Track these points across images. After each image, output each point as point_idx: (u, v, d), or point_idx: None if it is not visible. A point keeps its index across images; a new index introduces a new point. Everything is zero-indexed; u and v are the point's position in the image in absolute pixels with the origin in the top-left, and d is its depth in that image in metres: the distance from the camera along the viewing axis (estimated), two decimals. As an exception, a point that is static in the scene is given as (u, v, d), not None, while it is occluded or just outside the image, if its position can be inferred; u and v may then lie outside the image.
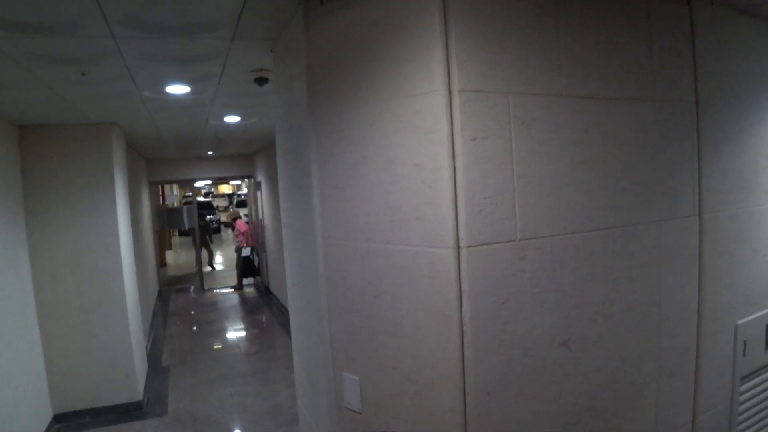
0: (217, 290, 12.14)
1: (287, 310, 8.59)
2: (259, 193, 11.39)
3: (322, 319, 2.12)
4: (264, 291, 11.36)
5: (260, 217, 11.74)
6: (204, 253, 14.87)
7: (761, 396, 2.55)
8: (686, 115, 2.12)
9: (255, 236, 12.22)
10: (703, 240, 2.19)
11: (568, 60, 1.79)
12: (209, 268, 14.86)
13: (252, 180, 12.08)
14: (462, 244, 1.63)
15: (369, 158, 1.83)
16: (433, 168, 1.65)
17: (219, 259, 16.07)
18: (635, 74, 1.96)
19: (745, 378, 2.45)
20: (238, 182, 13.41)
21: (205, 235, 14.82)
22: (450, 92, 1.60)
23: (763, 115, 2.41)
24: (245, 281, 12.14)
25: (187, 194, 23.08)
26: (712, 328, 2.27)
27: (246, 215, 12.47)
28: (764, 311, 2.50)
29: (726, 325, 2.34)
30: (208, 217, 16.92)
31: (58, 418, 5.16)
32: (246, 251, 11.83)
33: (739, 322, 2.38)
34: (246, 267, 11.83)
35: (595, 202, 1.87)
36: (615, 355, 1.97)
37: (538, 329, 1.78)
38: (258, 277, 12.07)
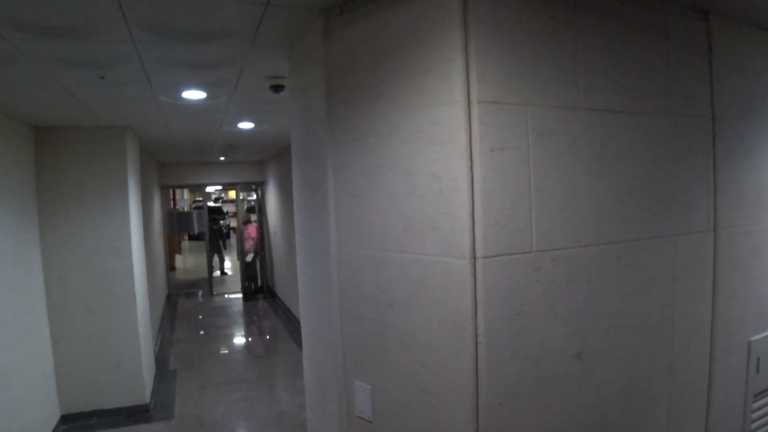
0: (226, 295, 12.17)
1: (294, 316, 8.63)
2: (267, 199, 11.42)
3: (334, 327, 2.13)
4: (270, 296, 11.38)
5: (267, 222, 11.77)
6: (215, 258, 14.94)
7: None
8: (702, 130, 2.12)
9: (261, 242, 12.25)
10: (718, 255, 2.19)
11: (586, 73, 1.80)
12: (218, 273, 14.91)
13: (258, 190, 12.13)
14: (478, 254, 1.63)
15: (386, 167, 1.84)
16: (450, 178, 1.65)
17: (228, 264, 16.09)
18: (652, 88, 1.97)
19: (759, 395, 2.43)
20: (243, 193, 13.44)
21: (218, 241, 14.87)
22: (469, 103, 1.62)
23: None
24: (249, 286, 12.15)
25: (198, 199, 23.19)
26: (725, 343, 2.25)
27: (255, 221, 12.52)
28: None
29: (739, 341, 2.32)
30: (221, 222, 16.98)
31: (65, 419, 5.18)
32: (249, 257, 11.86)
33: (753, 338, 2.37)
34: (249, 273, 11.85)
35: (609, 216, 1.87)
36: (627, 368, 1.97)
37: (551, 341, 1.78)
38: (257, 284, 12.06)
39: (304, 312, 2.71)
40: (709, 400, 2.24)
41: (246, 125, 5.47)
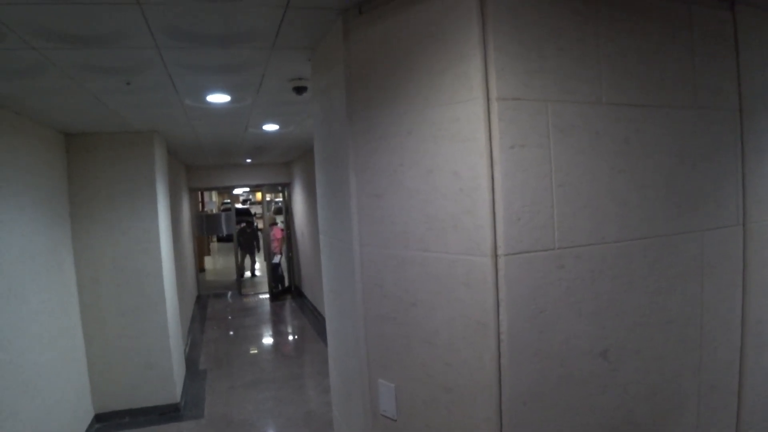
0: (255, 296, 12.29)
1: (321, 315, 8.67)
2: (293, 200, 11.50)
3: (357, 326, 2.14)
4: (297, 295, 11.46)
5: (294, 223, 11.86)
6: (247, 260, 15.10)
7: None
8: (729, 123, 2.07)
9: (288, 242, 12.35)
10: (748, 250, 2.14)
11: (608, 67, 1.78)
12: (249, 275, 15.06)
13: (285, 192, 12.22)
14: (500, 252, 1.63)
15: (407, 166, 1.84)
16: (471, 176, 1.65)
17: (256, 266, 16.27)
18: (677, 81, 1.93)
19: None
20: (269, 195, 13.55)
21: (252, 242, 15.03)
22: (488, 100, 1.61)
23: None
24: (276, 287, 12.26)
25: (226, 201, 23.46)
26: (756, 341, 2.20)
27: (282, 222, 12.64)
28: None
29: (772, 339, 2.27)
30: (255, 224, 17.17)
31: (99, 418, 5.29)
32: (276, 258, 11.97)
33: (786, 336, 2.31)
34: (276, 274, 11.96)
35: (634, 212, 1.84)
36: (654, 367, 1.94)
37: (575, 339, 1.76)
38: (284, 285, 12.15)
39: (329, 311, 2.73)
40: (740, 400, 2.19)
41: (271, 127, 5.52)
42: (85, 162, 5.13)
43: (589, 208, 1.75)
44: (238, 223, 14.84)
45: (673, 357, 1.98)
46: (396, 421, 1.99)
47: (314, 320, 9.29)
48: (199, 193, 16.52)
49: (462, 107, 1.66)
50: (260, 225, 16.97)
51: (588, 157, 1.75)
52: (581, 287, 1.76)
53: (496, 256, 1.63)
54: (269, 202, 13.92)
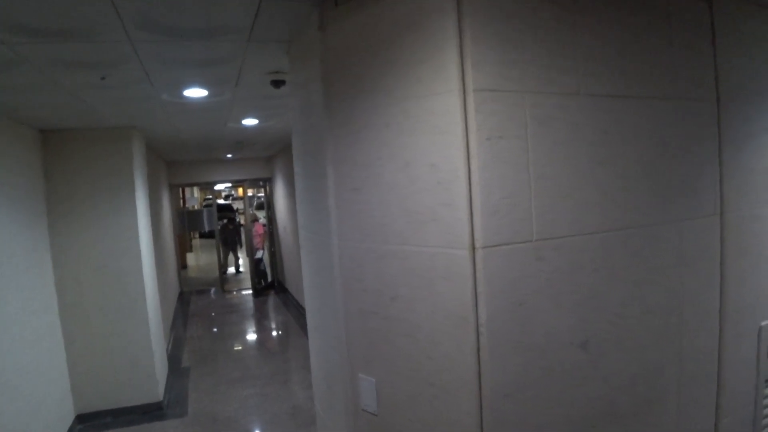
0: (238, 292, 12.22)
1: (304, 310, 8.65)
2: (275, 195, 11.45)
3: (338, 321, 2.12)
4: (281, 290, 11.41)
5: (276, 218, 11.81)
6: (230, 257, 14.99)
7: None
8: (707, 114, 2.08)
9: (270, 238, 12.30)
10: (726, 240, 2.15)
11: (586, 58, 1.77)
12: (233, 271, 14.96)
13: (267, 187, 12.16)
14: (478, 245, 1.61)
15: (385, 159, 1.82)
16: (448, 169, 1.63)
17: (240, 262, 16.19)
18: (655, 72, 1.93)
19: (771, 381, 2.40)
20: (250, 191, 13.49)
21: (234, 237, 14.92)
22: (465, 92, 1.59)
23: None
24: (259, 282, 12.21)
25: (208, 197, 23.27)
26: (734, 330, 2.22)
27: (264, 217, 12.58)
28: (790, 313, 2.45)
29: (749, 327, 2.29)
30: (237, 219, 17.04)
31: (80, 419, 5.23)
32: (259, 254, 11.93)
33: (763, 323, 2.33)
34: (259, 270, 11.93)
35: (613, 203, 1.84)
36: (634, 358, 1.94)
37: (555, 331, 1.76)
38: (266, 280, 12.11)
39: (309, 307, 2.70)
40: (720, 387, 2.20)
41: (251, 122, 5.47)
42: (62, 159, 5.05)
43: (568, 199, 1.75)
44: (221, 219, 14.72)
45: (654, 347, 1.99)
46: (377, 416, 1.97)
47: (297, 315, 9.25)
48: (181, 189, 16.36)
49: (439, 99, 1.64)
50: (242, 220, 16.86)
51: (567, 148, 1.74)
52: (561, 279, 1.75)
53: (474, 248, 1.62)
54: (251, 198, 13.83)
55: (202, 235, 21.88)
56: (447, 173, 1.64)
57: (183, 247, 15.36)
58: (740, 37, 2.17)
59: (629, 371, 1.93)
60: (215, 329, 9.04)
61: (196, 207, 19.33)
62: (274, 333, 8.84)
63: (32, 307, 4.40)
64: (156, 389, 5.51)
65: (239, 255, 15.55)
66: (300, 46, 2.39)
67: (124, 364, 5.35)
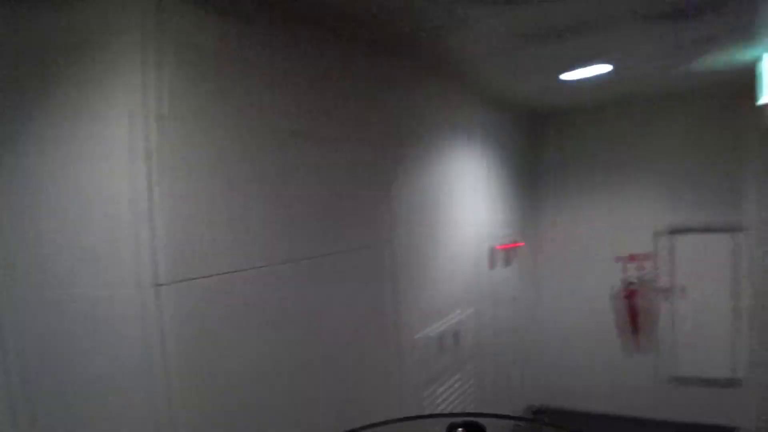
0: None
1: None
2: None
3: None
4: None
5: None
6: None
7: (442, 397, 2.95)
8: (384, 152, 2.40)
9: None
10: (398, 264, 2.47)
11: (270, 92, 1.85)
12: None
13: None
14: (160, 281, 1.49)
15: (51, 191, 1.57)
16: (126, 201, 1.48)
17: None
18: (340, 114, 2.17)
19: (426, 384, 2.80)
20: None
21: None
22: (137, 117, 1.47)
23: (439, 150, 2.85)
24: None
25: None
26: (403, 341, 2.56)
27: None
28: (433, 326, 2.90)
29: (409, 339, 2.64)
30: None
31: None
32: None
33: (417, 336, 2.72)
34: None
35: (296, 235, 1.96)
36: (324, 375, 2.08)
37: (244, 361, 1.74)
38: None
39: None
40: (390, 390, 2.50)
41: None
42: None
43: (249, 233, 1.77)
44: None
45: (344, 362, 2.18)
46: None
47: None
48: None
49: (110, 124, 1.49)
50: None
51: (246, 182, 1.76)
52: (246, 310, 1.76)
53: (156, 285, 1.50)
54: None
55: None
56: (121, 206, 1.49)
57: None
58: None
59: (322, 388, 2.07)
60: None
61: None
62: None
63: None
64: None
65: None
66: None
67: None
